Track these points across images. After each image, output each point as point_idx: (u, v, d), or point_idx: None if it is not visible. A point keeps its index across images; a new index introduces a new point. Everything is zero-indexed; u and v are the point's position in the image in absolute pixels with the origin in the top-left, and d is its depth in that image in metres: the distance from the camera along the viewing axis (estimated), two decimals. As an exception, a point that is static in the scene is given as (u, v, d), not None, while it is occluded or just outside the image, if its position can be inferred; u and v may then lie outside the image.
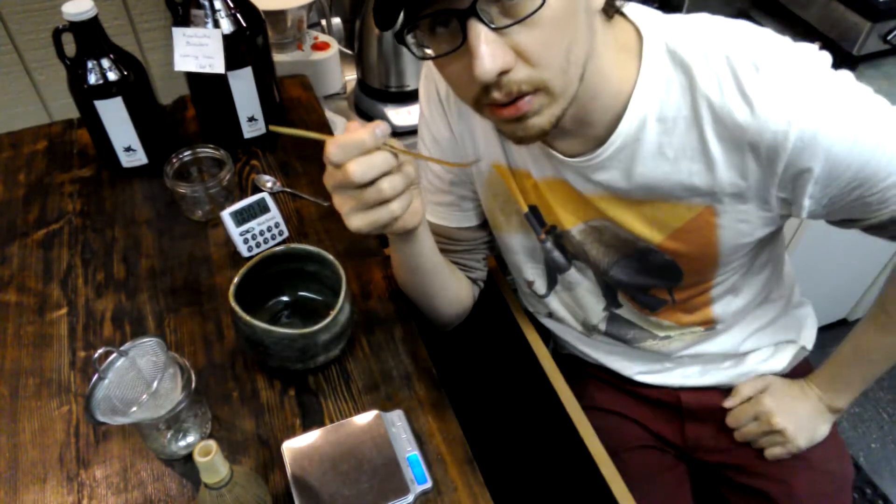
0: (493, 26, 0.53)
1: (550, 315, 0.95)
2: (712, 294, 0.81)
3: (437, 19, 0.55)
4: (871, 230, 0.69)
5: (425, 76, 0.81)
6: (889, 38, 1.21)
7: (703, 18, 0.64)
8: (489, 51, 0.53)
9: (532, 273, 0.89)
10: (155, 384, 0.63)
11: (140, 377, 0.66)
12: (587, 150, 0.68)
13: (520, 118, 0.59)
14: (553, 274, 0.87)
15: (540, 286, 0.90)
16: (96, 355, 0.62)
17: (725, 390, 0.93)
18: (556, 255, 0.83)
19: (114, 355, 0.63)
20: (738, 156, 0.62)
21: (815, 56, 0.60)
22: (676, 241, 0.71)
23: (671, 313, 0.83)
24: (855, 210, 0.65)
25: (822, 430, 0.88)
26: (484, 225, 0.88)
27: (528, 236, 0.84)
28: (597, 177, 0.69)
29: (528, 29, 0.54)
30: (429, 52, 0.60)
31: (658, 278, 0.77)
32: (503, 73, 0.55)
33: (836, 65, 0.60)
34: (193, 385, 0.68)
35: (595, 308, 0.87)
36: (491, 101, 0.58)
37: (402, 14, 0.56)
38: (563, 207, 0.76)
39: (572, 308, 0.90)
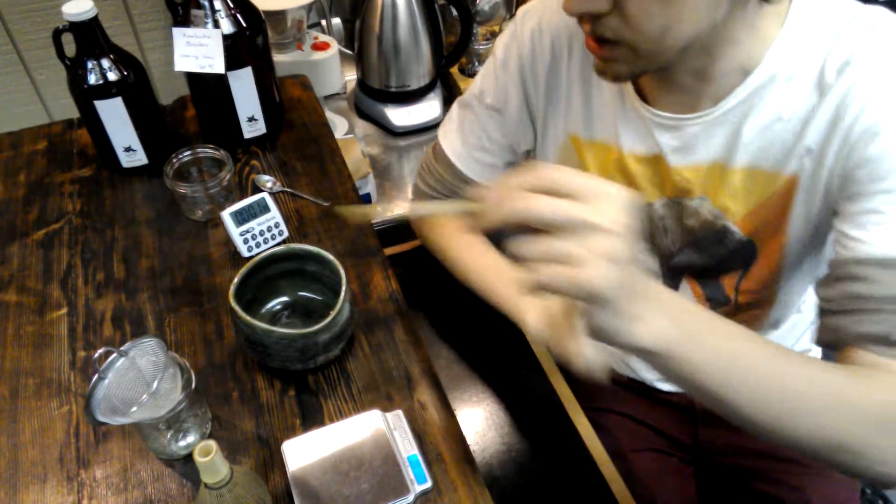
0: None
1: None
2: (773, 299, 0.79)
3: None
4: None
5: (506, 44, 0.79)
6: (889, 38, 1.21)
7: None
8: None
9: None
10: (155, 384, 0.63)
11: (140, 377, 0.66)
12: (697, 109, 0.66)
13: (600, 57, 0.60)
14: None
15: None
16: (96, 355, 0.62)
17: None
18: None
19: (114, 355, 0.63)
20: (833, 119, 0.61)
21: None
22: (755, 217, 0.70)
23: (727, 314, 0.81)
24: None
25: (624, 326, 0.47)
26: None
27: None
28: (702, 135, 0.67)
29: None
30: None
31: (731, 260, 0.75)
32: (594, 15, 0.55)
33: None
34: (193, 385, 0.68)
35: None
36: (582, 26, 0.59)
37: None
38: (649, 181, 0.74)
39: None
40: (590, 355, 0.72)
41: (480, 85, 0.83)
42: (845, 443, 0.51)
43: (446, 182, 0.90)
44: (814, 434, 0.51)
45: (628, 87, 0.71)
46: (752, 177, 0.67)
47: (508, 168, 0.88)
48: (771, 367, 0.51)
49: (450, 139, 0.87)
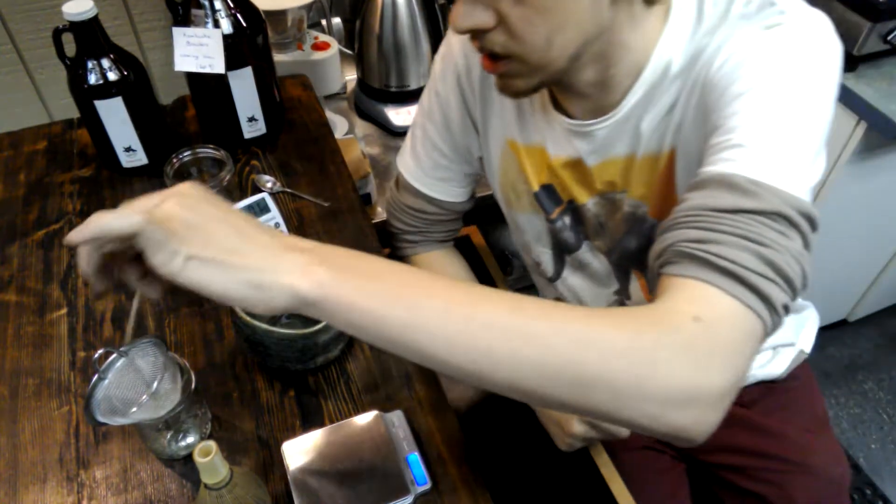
0: None
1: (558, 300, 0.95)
2: None
3: None
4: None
5: (442, 57, 0.82)
6: (889, 38, 1.21)
7: None
8: (465, 10, 0.57)
9: (539, 254, 0.90)
10: (155, 384, 0.63)
11: (140, 377, 0.66)
12: (604, 112, 0.68)
13: (499, 75, 0.62)
14: (562, 255, 0.87)
15: (548, 268, 0.90)
16: (96, 355, 0.62)
17: None
18: (568, 234, 0.83)
19: (114, 355, 0.63)
20: (694, 82, 0.63)
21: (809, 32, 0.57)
22: (656, 199, 0.72)
23: None
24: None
25: (268, 279, 0.47)
26: (469, 200, 0.93)
27: (536, 216, 0.84)
28: (611, 136, 0.69)
29: (514, 2, 0.55)
30: None
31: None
32: (480, 31, 0.57)
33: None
34: (193, 385, 0.68)
35: (605, 292, 0.87)
36: (473, 45, 0.61)
37: None
38: (577, 182, 0.76)
39: (579, 297, 0.90)
40: (578, 434, 0.75)
41: (425, 105, 0.86)
42: (586, 377, 0.44)
43: (415, 212, 0.92)
44: (532, 369, 0.45)
45: (545, 97, 0.73)
46: (648, 162, 0.70)
47: (467, 180, 0.91)
48: (459, 298, 0.47)
49: (407, 165, 0.90)
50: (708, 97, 0.59)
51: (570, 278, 0.89)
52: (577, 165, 0.75)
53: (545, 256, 0.89)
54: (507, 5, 0.56)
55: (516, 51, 0.58)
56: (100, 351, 0.61)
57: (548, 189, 0.80)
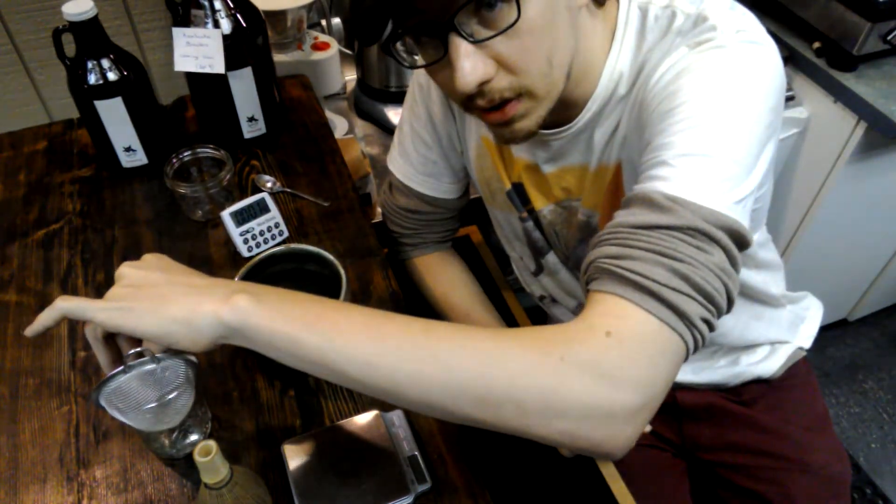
0: (471, 39, 0.54)
1: (543, 298, 0.95)
2: None
3: (420, 31, 0.56)
4: None
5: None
6: (889, 38, 1.21)
7: None
8: (468, 64, 0.54)
9: (520, 250, 0.91)
10: (170, 397, 0.62)
11: (158, 387, 0.65)
12: (560, 124, 0.69)
13: (507, 122, 0.60)
14: (537, 256, 0.88)
15: (529, 263, 0.91)
16: (131, 351, 0.61)
17: (722, 390, 0.92)
18: (537, 235, 0.84)
19: (146, 357, 0.62)
20: (634, 100, 0.64)
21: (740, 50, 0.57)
22: (606, 209, 0.72)
23: None
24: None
25: (200, 309, 0.53)
26: (463, 197, 0.93)
27: (511, 214, 0.85)
28: (567, 146, 0.71)
29: (507, 39, 0.54)
30: (417, 59, 0.61)
31: None
32: (484, 82, 0.56)
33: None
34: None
35: (573, 302, 0.87)
36: (476, 106, 0.59)
37: (387, 27, 0.57)
38: (536, 188, 0.78)
39: (565, 291, 0.90)
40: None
41: (409, 100, 0.86)
42: (493, 395, 0.47)
43: (410, 214, 0.92)
44: (440, 388, 0.47)
45: None
46: (600, 173, 0.71)
47: (457, 175, 0.90)
48: (373, 322, 0.50)
49: (397, 164, 0.91)
50: (643, 113, 0.60)
51: (546, 279, 0.90)
52: (535, 170, 0.76)
53: (524, 252, 0.90)
54: (500, 46, 0.55)
55: (524, 83, 0.57)
56: (135, 349, 0.61)
57: (518, 188, 0.81)
